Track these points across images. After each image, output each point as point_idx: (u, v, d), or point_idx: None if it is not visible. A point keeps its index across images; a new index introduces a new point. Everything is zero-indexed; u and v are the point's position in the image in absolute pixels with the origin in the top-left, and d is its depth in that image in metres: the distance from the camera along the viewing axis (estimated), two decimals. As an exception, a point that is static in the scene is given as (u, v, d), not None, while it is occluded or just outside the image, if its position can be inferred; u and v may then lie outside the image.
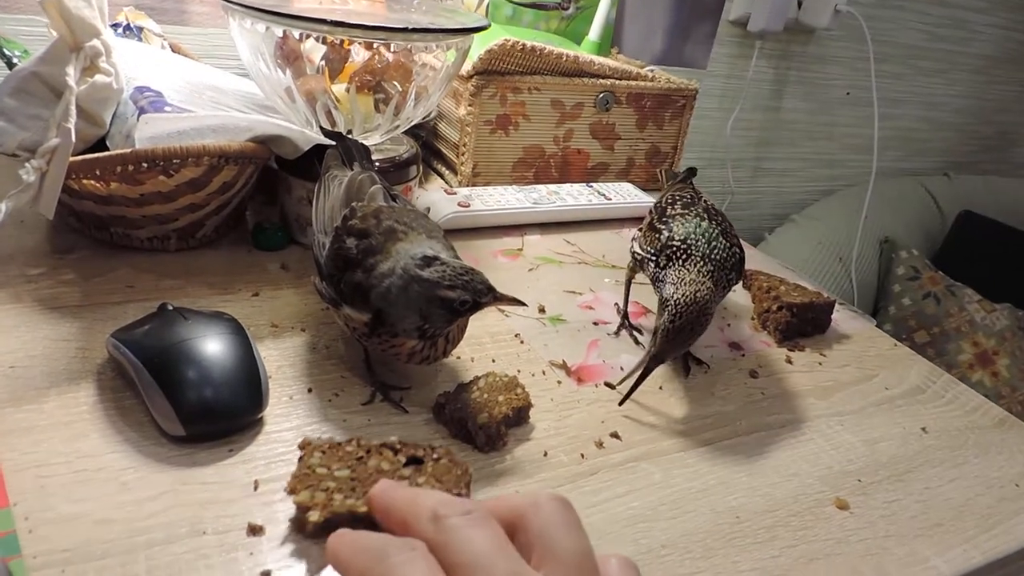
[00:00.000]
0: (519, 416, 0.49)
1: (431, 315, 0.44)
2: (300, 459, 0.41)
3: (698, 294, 0.51)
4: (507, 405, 0.48)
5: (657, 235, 0.57)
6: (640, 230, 0.61)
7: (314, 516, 0.38)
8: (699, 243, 0.55)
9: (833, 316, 0.69)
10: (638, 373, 0.51)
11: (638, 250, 0.59)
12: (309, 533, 0.38)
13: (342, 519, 0.38)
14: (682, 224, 0.57)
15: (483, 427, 0.46)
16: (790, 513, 0.46)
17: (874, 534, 0.45)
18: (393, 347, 0.46)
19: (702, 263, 0.53)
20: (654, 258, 0.56)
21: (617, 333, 0.62)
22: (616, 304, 0.66)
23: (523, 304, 0.47)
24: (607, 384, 0.55)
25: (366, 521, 0.38)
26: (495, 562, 0.23)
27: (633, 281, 0.64)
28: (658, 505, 0.45)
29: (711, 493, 0.46)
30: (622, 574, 0.26)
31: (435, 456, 0.43)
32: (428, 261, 0.45)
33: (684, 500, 0.45)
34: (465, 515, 0.25)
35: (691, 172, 0.70)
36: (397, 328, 0.45)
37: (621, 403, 0.52)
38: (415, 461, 0.43)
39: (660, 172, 0.74)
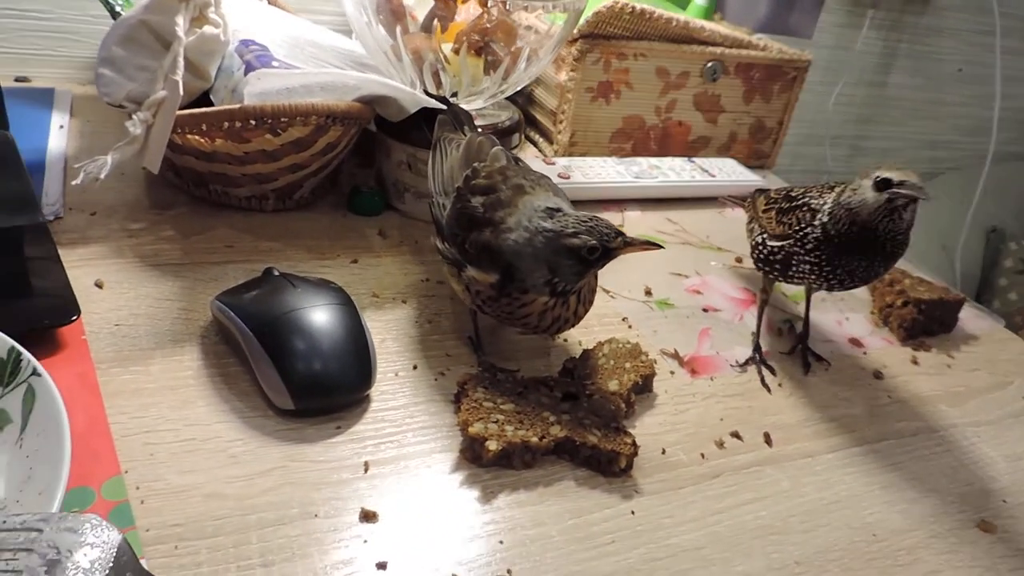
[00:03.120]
0: (646, 384, 0.48)
1: (559, 267, 0.42)
2: (462, 394, 0.43)
3: None
4: (635, 372, 0.47)
5: (808, 212, 0.50)
6: (760, 230, 0.55)
7: (493, 445, 0.40)
8: None
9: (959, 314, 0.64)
10: None
11: (777, 244, 0.51)
12: (487, 462, 0.40)
13: (516, 449, 0.40)
14: (836, 196, 0.49)
15: (616, 394, 0.45)
16: (931, 534, 0.42)
17: (1027, 565, 0.41)
18: (523, 306, 0.43)
19: None
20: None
21: (744, 366, 0.53)
22: (741, 311, 0.60)
23: (660, 247, 0.44)
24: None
25: (537, 451, 0.41)
26: None
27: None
28: (788, 516, 0.41)
29: (844, 506, 0.43)
30: None
31: (587, 392, 0.44)
32: (551, 213, 0.43)
33: (816, 512, 0.42)
34: None
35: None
36: (527, 283, 0.43)
37: None
38: (571, 397, 0.44)
39: (731, 199, 0.68)
